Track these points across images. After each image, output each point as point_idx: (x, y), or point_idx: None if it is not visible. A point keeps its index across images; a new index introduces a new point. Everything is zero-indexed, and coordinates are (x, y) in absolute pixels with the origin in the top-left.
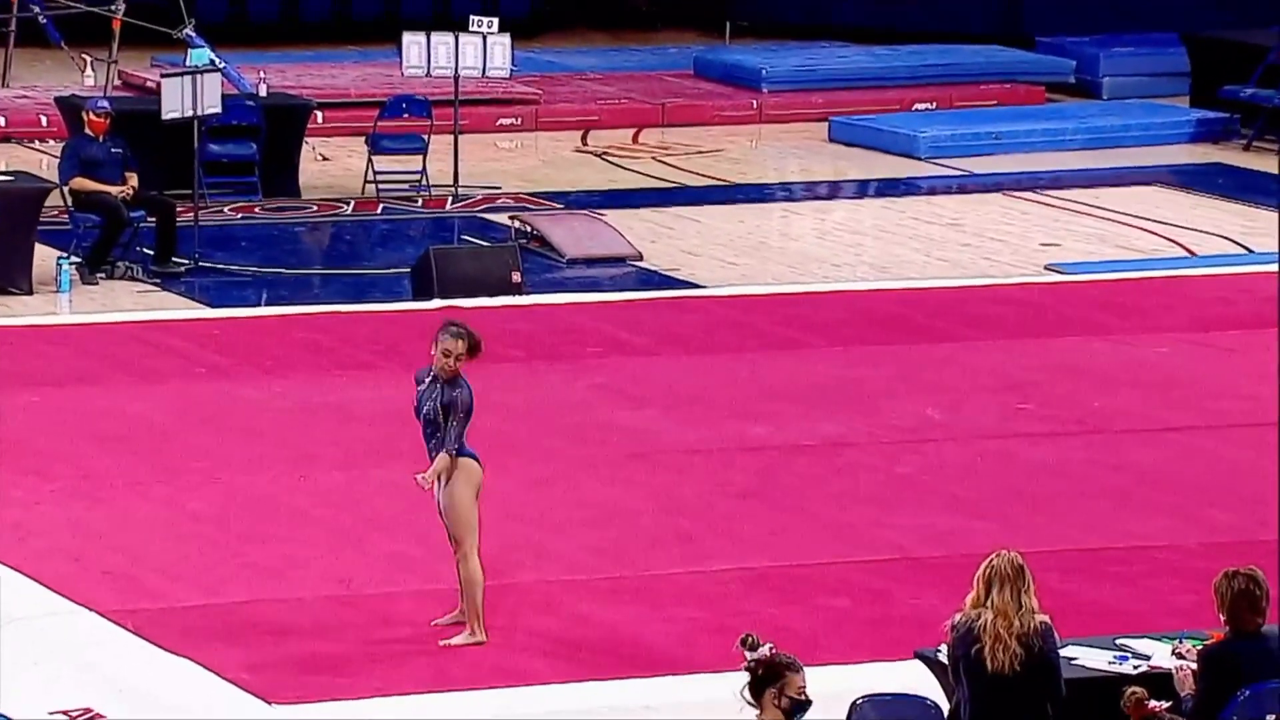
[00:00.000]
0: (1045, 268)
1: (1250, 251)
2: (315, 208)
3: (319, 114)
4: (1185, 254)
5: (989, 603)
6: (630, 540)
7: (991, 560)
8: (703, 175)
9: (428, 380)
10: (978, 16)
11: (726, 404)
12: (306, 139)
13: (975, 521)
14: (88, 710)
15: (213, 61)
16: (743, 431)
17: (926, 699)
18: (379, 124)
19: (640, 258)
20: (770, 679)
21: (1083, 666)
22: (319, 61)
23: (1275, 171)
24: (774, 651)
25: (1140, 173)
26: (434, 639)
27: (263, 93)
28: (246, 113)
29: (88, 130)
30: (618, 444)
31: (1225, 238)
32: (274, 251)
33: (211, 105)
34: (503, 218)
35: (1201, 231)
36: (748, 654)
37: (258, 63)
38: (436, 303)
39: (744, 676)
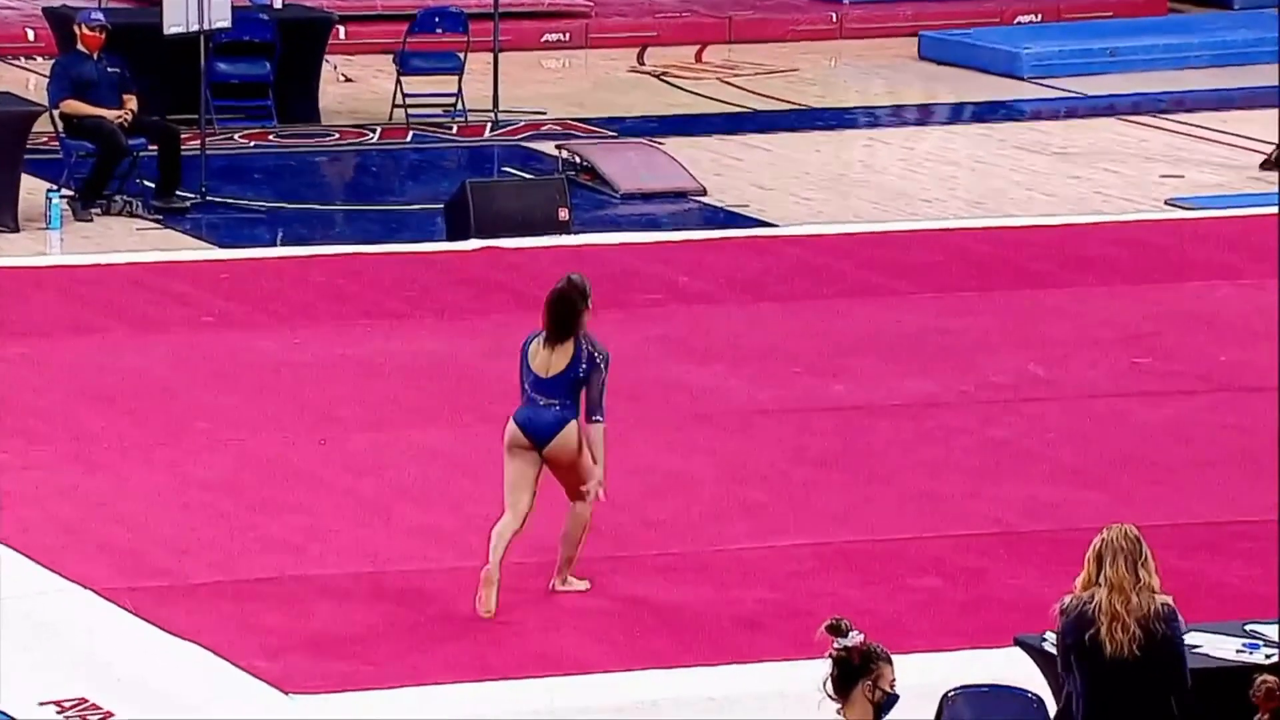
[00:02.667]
0: (1166, 203)
1: None
2: (337, 135)
3: (341, 29)
4: None
5: (1102, 579)
6: (692, 512)
7: (1103, 534)
8: (775, 98)
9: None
10: None
11: (802, 358)
12: (327, 57)
13: (1084, 492)
14: (82, 700)
15: None
16: (820, 390)
17: (1028, 691)
18: (409, 40)
19: (703, 192)
20: (863, 670)
21: (1208, 655)
22: None
23: None
24: (866, 640)
25: (1276, 94)
26: (470, 621)
27: (278, 4)
28: (259, 27)
29: (81, 46)
30: (678, 404)
31: None
32: (291, 184)
33: (220, 19)
34: (548, 147)
35: None
36: (836, 641)
37: None
38: (473, 243)
39: (822, 666)
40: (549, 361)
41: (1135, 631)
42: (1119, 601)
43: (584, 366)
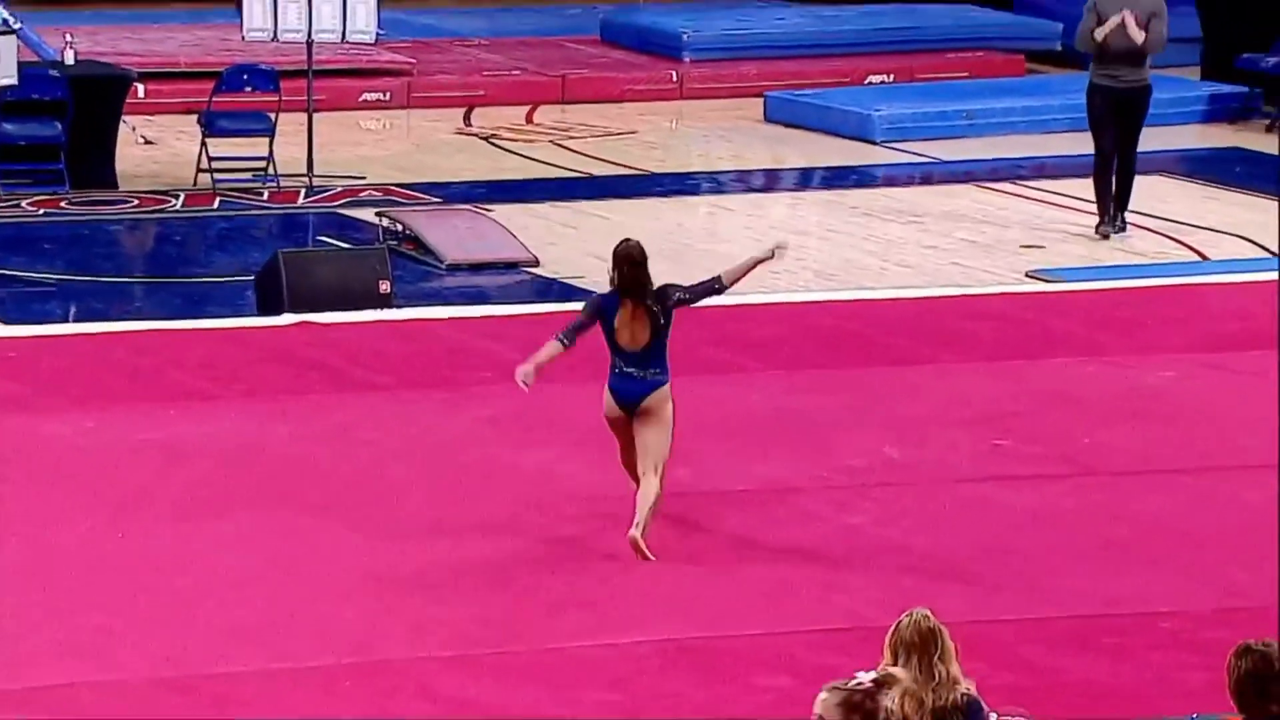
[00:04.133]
0: (1027, 275)
1: (1274, 255)
2: (136, 202)
3: (140, 87)
4: (1195, 258)
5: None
6: (525, 607)
7: (899, 623)
8: (612, 163)
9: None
10: None
11: None
12: (124, 118)
13: (943, 583)
14: None
15: (6, 21)
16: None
17: None
18: (215, 99)
19: (536, 263)
20: None
21: None
22: (140, 23)
23: None
24: None
25: (1141, 160)
26: None
27: (70, 60)
28: (49, 85)
29: None
30: (510, 490)
31: (1243, 238)
32: (85, 255)
33: (5, 75)
34: (368, 214)
35: (1215, 231)
36: None
37: (64, 24)
38: (287, 318)
39: None
40: (633, 333)
41: None
42: (910, 706)
43: (662, 319)
